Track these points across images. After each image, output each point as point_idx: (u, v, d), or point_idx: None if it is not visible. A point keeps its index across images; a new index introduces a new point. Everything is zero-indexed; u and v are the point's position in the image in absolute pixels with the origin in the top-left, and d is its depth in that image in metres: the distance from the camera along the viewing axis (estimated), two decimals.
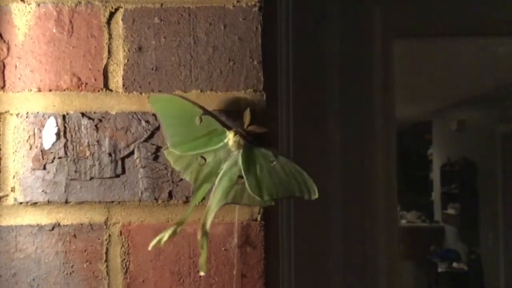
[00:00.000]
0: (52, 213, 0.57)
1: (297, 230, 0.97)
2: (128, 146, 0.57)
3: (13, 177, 0.57)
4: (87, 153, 0.57)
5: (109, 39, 0.58)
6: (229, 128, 0.53)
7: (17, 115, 0.57)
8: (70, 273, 0.57)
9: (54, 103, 0.57)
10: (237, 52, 0.58)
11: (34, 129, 0.57)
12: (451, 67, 3.72)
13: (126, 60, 0.57)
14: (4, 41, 0.58)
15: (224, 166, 0.54)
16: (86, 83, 0.57)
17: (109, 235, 0.57)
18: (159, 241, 0.53)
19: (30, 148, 0.57)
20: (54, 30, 0.58)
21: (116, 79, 0.57)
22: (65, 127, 0.57)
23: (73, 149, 0.57)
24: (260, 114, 0.57)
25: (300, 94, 1.02)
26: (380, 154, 1.30)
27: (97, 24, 0.58)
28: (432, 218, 6.96)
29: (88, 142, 0.57)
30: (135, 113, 0.57)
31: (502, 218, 4.95)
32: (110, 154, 0.57)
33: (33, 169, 0.57)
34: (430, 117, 6.86)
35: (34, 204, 0.57)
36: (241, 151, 0.53)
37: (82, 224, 0.57)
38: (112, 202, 0.57)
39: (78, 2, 0.58)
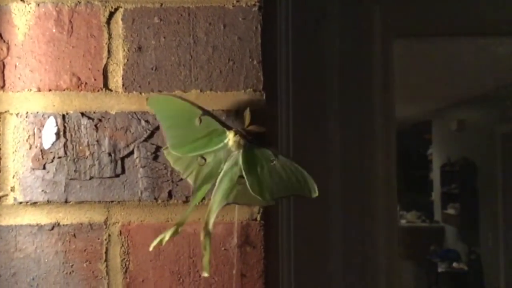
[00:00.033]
0: (52, 212, 0.57)
1: (297, 230, 0.97)
2: (127, 145, 0.57)
3: (13, 177, 0.57)
4: (87, 153, 0.57)
5: (109, 39, 0.58)
6: (229, 128, 0.53)
7: (17, 114, 0.57)
8: (70, 273, 0.57)
9: (54, 103, 0.57)
10: (237, 52, 0.58)
11: (34, 128, 0.57)
12: (451, 67, 3.72)
13: (125, 60, 0.57)
14: (4, 41, 0.58)
15: (225, 166, 0.54)
16: (86, 83, 0.57)
17: (109, 235, 0.57)
18: (160, 241, 0.53)
19: (30, 148, 0.57)
20: (54, 30, 0.58)
21: (116, 79, 0.57)
22: (64, 126, 0.57)
23: (72, 149, 0.57)
24: (259, 114, 0.57)
25: (299, 93, 1.02)
26: (380, 154, 1.30)
27: (97, 24, 0.58)
28: (432, 218, 6.96)
29: (88, 142, 0.57)
30: (134, 113, 0.57)
31: (502, 218, 4.95)
32: (109, 154, 0.57)
33: (33, 169, 0.57)
34: (430, 117, 6.86)
35: (34, 203, 0.57)
36: (241, 151, 0.53)
37: (81, 224, 0.57)
38: (112, 201, 0.57)
39: (78, 2, 0.58)
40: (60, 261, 0.57)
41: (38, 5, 0.58)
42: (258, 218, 0.57)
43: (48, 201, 0.57)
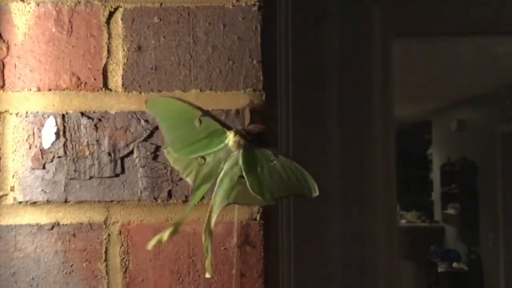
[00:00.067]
0: (52, 212, 0.57)
1: (296, 230, 0.97)
2: (127, 145, 0.57)
3: (13, 177, 0.57)
4: (87, 153, 0.57)
5: (109, 39, 0.58)
6: (229, 128, 0.53)
7: (16, 114, 0.57)
8: (70, 273, 0.57)
9: (54, 102, 0.57)
10: (237, 52, 0.58)
11: (34, 128, 0.57)
12: (451, 66, 3.72)
13: (125, 60, 0.58)
14: (4, 41, 0.58)
15: (225, 167, 0.54)
16: (86, 83, 0.57)
17: (109, 235, 0.57)
18: (159, 240, 0.53)
19: (30, 148, 0.57)
20: (54, 30, 0.58)
21: (116, 79, 0.57)
22: (64, 126, 0.57)
23: (72, 149, 0.57)
24: (259, 114, 0.57)
25: (299, 93, 1.02)
26: (379, 153, 1.30)
27: (97, 24, 0.58)
28: (432, 218, 6.96)
29: (88, 141, 0.57)
30: (134, 112, 0.57)
31: (502, 218, 4.95)
32: (109, 154, 0.57)
33: (33, 169, 0.57)
34: (430, 117, 6.86)
35: (34, 203, 0.57)
36: (241, 151, 0.53)
37: (81, 224, 0.57)
38: (112, 201, 0.57)
39: (78, 1, 0.58)
40: (59, 261, 0.57)
41: (38, 4, 0.58)
42: (258, 218, 0.57)
43: (47, 200, 0.57)
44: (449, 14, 1.40)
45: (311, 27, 1.17)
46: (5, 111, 0.57)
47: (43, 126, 0.57)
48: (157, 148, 0.57)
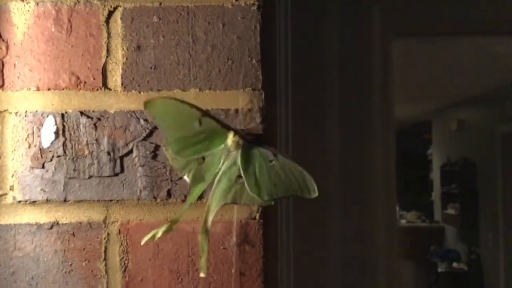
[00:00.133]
0: (51, 211, 0.57)
1: (296, 229, 0.97)
2: (126, 144, 0.57)
3: (12, 176, 0.57)
4: (86, 152, 0.57)
5: (108, 38, 0.58)
6: (229, 128, 0.53)
7: (16, 113, 0.57)
8: (69, 272, 0.57)
9: (53, 102, 0.57)
10: (236, 51, 0.58)
11: (33, 127, 0.57)
12: (451, 66, 3.72)
13: (125, 59, 0.58)
14: (3, 40, 0.58)
15: (223, 166, 0.54)
16: (85, 82, 0.57)
17: (108, 234, 0.57)
18: (153, 236, 0.53)
19: (29, 147, 0.57)
20: (53, 29, 0.58)
21: (115, 78, 0.57)
22: (64, 125, 0.57)
23: (71, 148, 0.57)
24: (258, 113, 0.57)
25: (299, 93, 1.02)
26: (379, 153, 1.30)
27: (96, 23, 0.58)
28: (432, 218, 6.96)
29: (87, 140, 0.57)
30: (133, 112, 0.57)
31: (502, 218, 4.95)
32: (108, 153, 0.57)
33: (32, 168, 0.57)
34: (430, 117, 6.87)
35: (33, 202, 0.57)
36: (240, 151, 0.53)
37: (80, 223, 0.57)
38: (111, 200, 0.57)
39: (77, 1, 0.58)
40: (59, 260, 0.57)
41: (37, 4, 0.58)
42: (257, 217, 0.57)
43: (47, 200, 0.57)
44: (449, 14, 1.40)
45: (311, 26, 1.17)
46: (5, 111, 0.57)
47: (42, 125, 0.57)
48: (157, 147, 0.57)
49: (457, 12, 1.39)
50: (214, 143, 0.53)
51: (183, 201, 0.57)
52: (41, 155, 0.57)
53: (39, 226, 0.57)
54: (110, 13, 0.58)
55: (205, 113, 0.52)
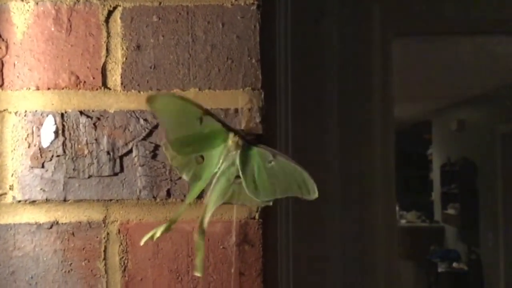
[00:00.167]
0: (51, 211, 0.57)
1: (296, 229, 0.97)
2: (126, 144, 0.57)
3: (12, 175, 0.57)
4: (86, 152, 0.57)
5: (108, 38, 0.58)
6: (229, 128, 0.53)
7: (15, 113, 0.57)
8: (69, 271, 0.57)
9: (53, 101, 0.57)
10: (235, 51, 0.58)
11: (33, 127, 0.57)
12: (451, 66, 3.72)
13: (124, 59, 0.58)
14: (3, 40, 0.58)
15: (222, 166, 0.53)
16: (85, 82, 0.57)
17: (107, 233, 0.57)
18: (152, 236, 0.53)
19: (29, 146, 0.57)
20: (53, 29, 0.58)
21: (115, 78, 0.58)
22: (63, 125, 0.57)
23: (71, 147, 0.57)
24: (258, 113, 0.57)
25: (298, 93, 1.02)
26: (379, 153, 1.30)
27: (96, 23, 0.58)
28: (432, 218, 6.96)
29: (87, 140, 0.57)
30: (133, 111, 0.57)
31: (502, 218, 4.95)
32: (108, 153, 0.57)
33: (32, 167, 0.57)
34: (430, 117, 6.87)
35: (33, 202, 0.57)
36: (239, 151, 0.53)
37: (80, 222, 0.57)
38: (111, 200, 0.57)
39: (77, 0, 0.58)
40: (58, 260, 0.57)
41: (37, 3, 0.58)
42: (257, 217, 0.57)
43: (46, 199, 0.57)
44: (449, 14, 1.40)
45: (310, 26, 1.17)
46: (4, 110, 0.57)
47: (42, 125, 0.57)
48: (156, 147, 0.57)
49: (457, 12, 1.39)
50: (213, 143, 0.53)
51: (183, 200, 0.57)
52: (41, 155, 0.57)
53: (38, 225, 0.57)
54: (110, 13, 0.58)
55: (207, 112, 0.52)
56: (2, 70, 0.58)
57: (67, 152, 0.57)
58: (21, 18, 0.58)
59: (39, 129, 0.57)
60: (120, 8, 0.58)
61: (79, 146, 0.57)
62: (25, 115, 0.57)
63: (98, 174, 0.57)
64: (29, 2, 0.58)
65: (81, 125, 0.57)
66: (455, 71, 3.91)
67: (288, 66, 0.94)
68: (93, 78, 0.57)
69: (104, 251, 0.57)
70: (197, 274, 0.53)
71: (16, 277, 0.57)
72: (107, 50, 0.58)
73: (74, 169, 0.57)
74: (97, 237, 0.57)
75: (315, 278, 1.23)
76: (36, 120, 0.57)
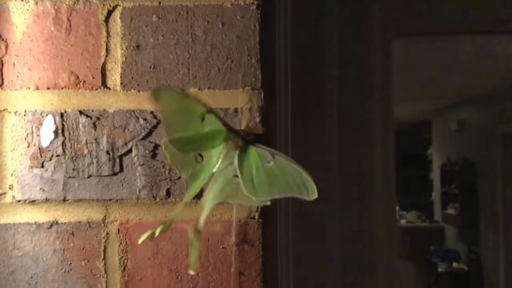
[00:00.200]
0: (50, 211, 0.57)
1: (296, 229, 0.97)
2: (126, 144, 0.57)
3: (11, 175, 0.57)
4: (85, 151, 0.57)
5: (107, 37, 0.58)
6: (229, 128, 0.53)
7: (15, 113, 0.57)
8: (68, 271, 0.57)
9: (52, 101, 0.57)
10: (235, 50, 0.58)
11: (32, 127, 0.57)
12: (451, 66, 3.72)
13: (124, 58, 0.58)
14: (2, 39, 0.58)
15: (220, 165, 0.53)
16: (84, 81, 0.57)
17: (107, 233, 0.57)
18: (151, 236, 0.52)
19: (28, 146, 0.57)
20: (52, 28, 0.58)
21: (114, 77, 0.58)
22: (63, 125, 0.57)
23: (71, 147, 0.57)
24: (258, 112, 0.57)
25: (298, 92, 1.02)
26: (378, 153, 1.30)
27: (95, 22, 0.58)
28: (432, 218, 6.96)
29: (86, 140, 0.57)
30: (133, 111, 0.57)
31: (502, 218, 4.95)
32: (108, 152, 0.57)
33: (31, 167, 0.57)
34: (430, 117, 6.87)
35: (32, 202, 0.57)
36: (237, 151, 0.53)
37: (80, 222, 0.57)
38: (110, 200, 0.57)
39: (76, 0, 0.58)
40: (58, 259, 0.57)
41: (37, 3, 0.58)
42: (256, 216, 0.57)
43: (46, 199, 0.57)
44: (449, 13, 1.40)
45: (311, 26, 1.17)
46: (4, 110, 0.57)
47: (41, 124, 0.57)
48: (156, 146, 0.57)
49: (457, 12, 1.39)
50: (213, 142, 0.53)
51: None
52: (40, 154, 0.57)
53: (38, 225, 0.57)
54: (109, 12, 0.58)
55: (210, 110, 0.51)
56: (1, 70, 0.57)
57: (66, 151, 0.57)
58: (20, 17, 0.58)
59: (38, 129, 0.57)
60: (119, 8, 0.58)
61: (79, 145, 0.57)
62: (24, 115, 0.57)
63: (97, 174, 0.57)
64: (28, 1, 0.58)
65: (80, 124, 0.57)
66: (455, 71, 3.91)
67: (288, 66, 0.94)
68: (93, 77, 0.57)
69: (104, 250, 0.57)
70: (191, 272, 0.53)
71: (15, 276, 0.57)
72: (107, 49, 0.58)
73: (73, 169, 0.57)
74: (96, 237, 0.57)
75: (315, 278, 1.22)
76: (35, 120, 0.57)
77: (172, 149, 0.53)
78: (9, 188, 0.57)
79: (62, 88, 0.57)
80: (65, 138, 0.57)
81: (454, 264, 5.67)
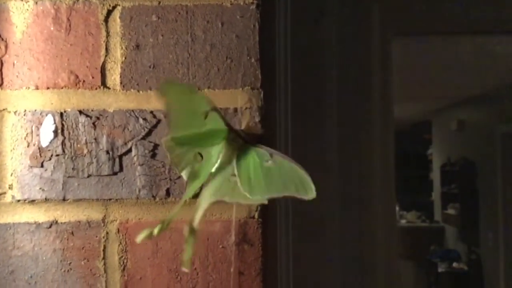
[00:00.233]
0: (50, 210, 0.57)
1: (295, 228, 0.97)
2: (125, 143, 0.57)
3: (11, 175, 0.57)
4: (85, 151, 0.57)
5: (107, 37, 0.58)
6: (231, 128, 0.53)
7: (14, 112, 0.57)
8: (68, 271, 0.57)
9: (52, 100, 0.57)
10: (235, 50, 0.58)
11: (32, 126, 0.57)
12: (451, 66, 3.72)
13: (123, 58, 0.58)
14: (2, 39, 0.58)
15: (218, 165, 0.53)
16: (84, 81, 0.57)
17: (107, 233, 0.57)
18: (149, 235, 0.52)
19: (28, 146, 0.57)
20: (52, 28, 0.58)
21: (114, 77, 0.58)
22: (62, 124, 0.57)
23: (70, 147, 0.57)
24: (257, 112, 0.57)
25: (298, 92, 1.02)
26: (378, 153, 1.30)
27: (95, 22, 0.58)
28: (432, 218, 6.96)
29: (86, 139, 0.57)
30: (132, 110, 0.57)
31: (502, 218, 4.95)
32: (107, 152, 0.57)
33: (31, 167, 0.57)
34: (430, 117, 6.87)
35: (32, 201, 0.57)
36: (237, 151, 0.53)
37: (79, 222, 0.57)
38: (110, 199, 0.57)
39: (76, 0, 0.58)
40: (58, 259, 0.57)
41: (36, 3, 0.58)
42: (256, 216, 0.57)
43: (46, 199, 0.57)
44: (449, 13, 1.40)
45: (310, 25, 1.17)
46: (4, 110, 0.57)
47: (41, 124, 0.57)
48: (156, 146, 0.57)
49: (457, 11, 1.39)
50: (213, 140, 0.53)
51: None
52: (40, 154, 0.57)
53: (38, 225, 0.57)
54: (109, 12, 0.58)
55: (214, 108, 0.51)
56: (1, 70, 0.58)
57: (66, 151, 0.57)
58: (20, 17, 0.58)
59: (38, 129, 0.57)
60: (119, 8, 0.58)
61: (78, 145, 0.57)
62: (24, 115, 0.57)
63: (97, 174, 0.57)
64: (28, 1, 0.58)
65: (80, 124, 0.57)
66: (455, 71, 3.91)
67: (287, 66, 0.94)
68: (92, 77, 0.57)
69: (104, 250, 0.57)
70: (184, 269, 0.52)
71: (15, 276, 0.57)
72: (107, 49, 0.58)
73: (73, 169, 0.57)
74: (96, 237, 0.57)
75: (315, 278, 1.22)
76: (35, 120, 0.57)
77: (173, 146, 0.53)
78: (9, 188, 0.57)
79: (62, 88, 0.57)
80: (64, 138, 0.57)
81: (454, 264, 5.67)
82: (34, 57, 0.57)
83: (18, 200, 0.57)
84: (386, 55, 1.32)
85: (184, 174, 0.55)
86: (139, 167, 0.57)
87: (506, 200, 4.87)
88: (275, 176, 0.51)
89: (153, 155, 0.57)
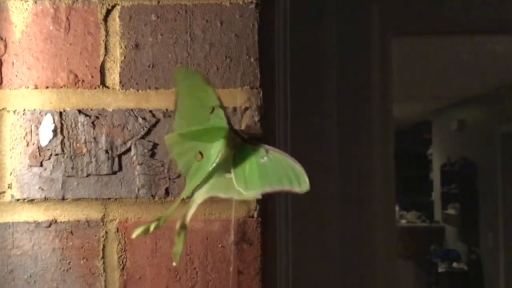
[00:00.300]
0: (49, 210, 0.57)
1: (295, 228, 0.97)
2: (125, 143, 0.57)
3: (10, 174, 0.57)
4: (84, 150, 0.57)
5: (106, 36, 0.58)
6: (232, 128, 0.53)
7: (14, 112, 0.57)
8: (67, 270, 0.57)
9: (51, 100, 0.57)
10: (234, 49, 0.58)
11: (31, 126, 0.57)
12: (451, 66, 3.72)
13: (123, 57, 0.58)
14: (1, 39, 0.58)
15: (216, 163, 0.53)
16: (83, 80, 0.57)
17: (106, 232, 0.57)
18: (145, 231, 0.52)
19: (27, 145, 0.57)
20: (51, 27, 0.58)
21: (113, 76, 0.58)
22: (62, 124, 0.57)
23: (70, 146, 0.57)
24: (256, 112, 0.57)
25: (298, 92, 1.02)
26: (378, 153, 1.30)
27: (94, 21, 0.58)
28: (432, 218, 6.96)
29: (85, 139, 0.57)
30: (132, 110, 0.57)
31: (502, 218, 4.95)
32: (107, 151, 0.57)
33: (30, 166, 0.57)
34: (430, 117, 6.87)
35: (31, 201, 0.57)
36: (234, 149, 0.53)
37: (79, 221, 0.57)
38: (109, 199, 0.57)
39: None
40: (57, 258, 0.57)
41: (36, 2, 0.58)
42: (255, 215, 0.57)
43: (45, 198, 0.57)
44: (449, 13, 1.40)
45: (310, 25, 1.17)
46: (3, 109, 0.57)
47: (40, 123, 0.57)
48: (155, 145, 0.57)
49: (457, 11, 1.39)
50: (214, 136, 0.53)
51: None
52: (39, 154, 0.57)
53: (37, 224, 0.57)
54: (108, 11, 0.58)
55: (221, 106, 0.51)
56: (1, 69, 0.58)
57: (65, 150, 0.57)
58: (19, 17, 0.58)
59: (37, 128, 0.57)
60: (118, 7, 0.58)
61: (78, 144, 0.57)
62: (23, 114, 0.57)
63: (96, 173, 0.57)
64: (28, 1, 0.58)
65: (79, 123, 0.57)
66: (455, 71, 3.91)
67: (287, 65, 0.94)
68: (92, 76, 0.57)
69: (103, 249, 0.57)
70: (174, 264, 0.52)
71: (14, 275, 0.57)
72: (106, 48, 0.58)
73: (72, 168, 0.57)
74: (95, 236, 0.57)
75: (315, 278, 1.22)
76: (34, 119, 0.57)
77: (175, 143, 0.53)
78: (8, 187, 0.57)
79: (61, 87, 0.57)
80: (64, 137, 0.57)
81: (454, 264, 5.67)
82: (34, 56, 0.57)
83: (18, 199, 0.57)
84: (386, 55, 1.32)
85: (184, 173, 0.55)
86: (138, 167, 0.57)
87: (506, 200, 4.87)
88: (269, 171, 0.51)
89: (152, 155, 0.57)
